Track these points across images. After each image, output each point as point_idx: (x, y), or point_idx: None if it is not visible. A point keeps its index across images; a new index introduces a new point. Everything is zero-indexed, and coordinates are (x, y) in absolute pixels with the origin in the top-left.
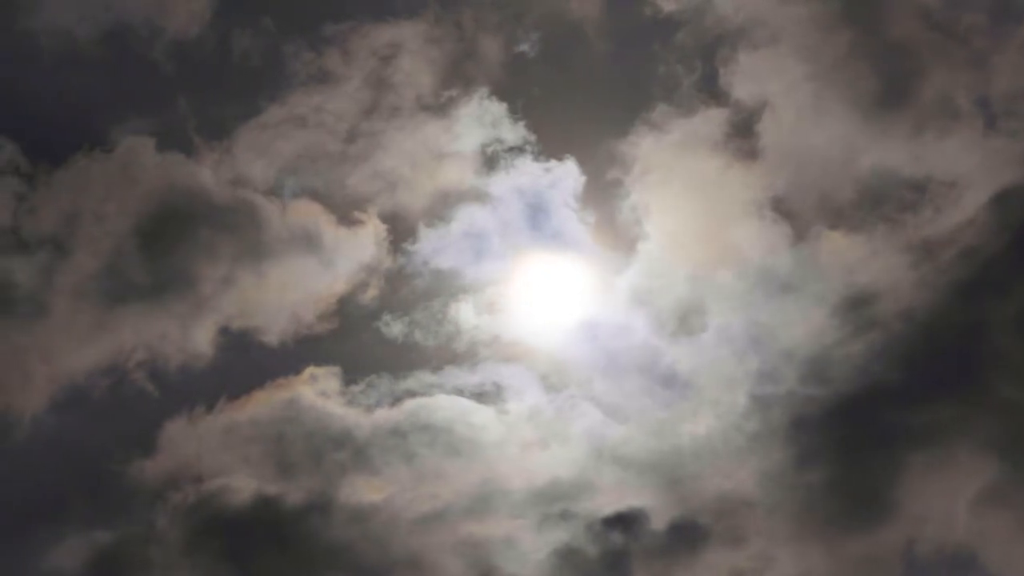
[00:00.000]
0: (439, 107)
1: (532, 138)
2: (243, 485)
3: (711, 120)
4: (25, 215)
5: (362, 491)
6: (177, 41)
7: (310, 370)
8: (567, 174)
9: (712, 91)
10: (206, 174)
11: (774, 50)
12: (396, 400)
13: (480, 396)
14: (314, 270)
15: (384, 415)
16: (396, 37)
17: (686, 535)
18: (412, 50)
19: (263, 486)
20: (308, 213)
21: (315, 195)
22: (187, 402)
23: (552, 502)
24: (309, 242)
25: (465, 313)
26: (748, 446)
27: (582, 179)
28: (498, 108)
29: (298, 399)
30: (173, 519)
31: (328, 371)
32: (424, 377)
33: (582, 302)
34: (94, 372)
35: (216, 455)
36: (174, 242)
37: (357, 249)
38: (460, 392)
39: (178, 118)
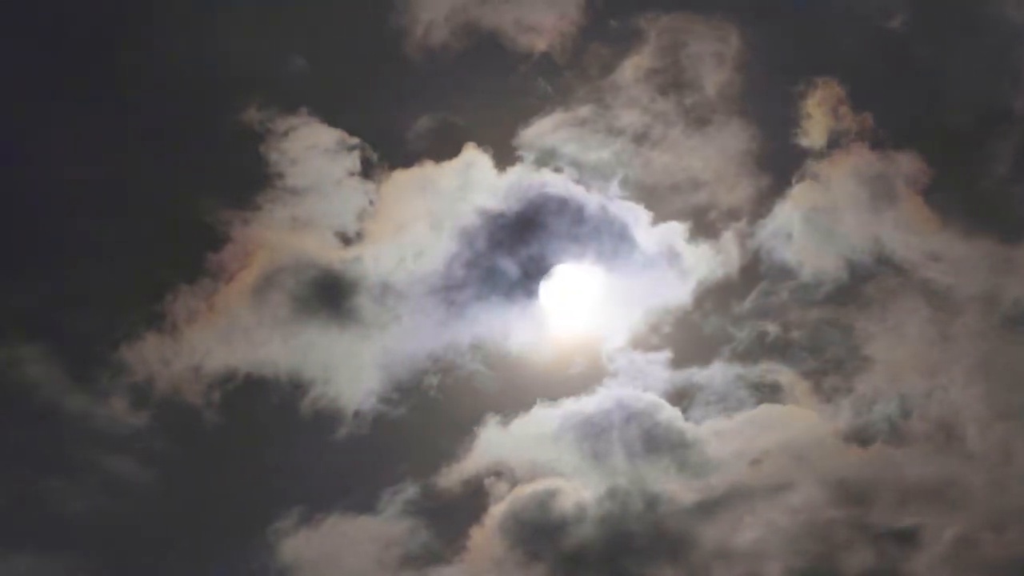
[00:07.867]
0: (777, 98)
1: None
2: (565, 486)
3: None
4: (370, 216)
5: (681, 491)
6: (538, 54)
7: (636, 363)
8: (907, 163)
9: None
10: (550, 179)
11: None
12: (723, 404)
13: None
14: (661, 277)
15: (712, 420)
16: (719, 31)
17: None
18: (739, 45)
19: (583, 487)
20: (665, 227)
21: (673, 210)
22: (510, 400)
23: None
24: (662, 250)
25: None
26: None
27: (929, 171)
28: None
29: (629, 401)
30: (493, 517)
31: (655, 370)
32: (751, 377)
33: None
34: (422, 369)
35: (538, 455)
36: (513, 245)
37: (704, 257)
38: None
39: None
